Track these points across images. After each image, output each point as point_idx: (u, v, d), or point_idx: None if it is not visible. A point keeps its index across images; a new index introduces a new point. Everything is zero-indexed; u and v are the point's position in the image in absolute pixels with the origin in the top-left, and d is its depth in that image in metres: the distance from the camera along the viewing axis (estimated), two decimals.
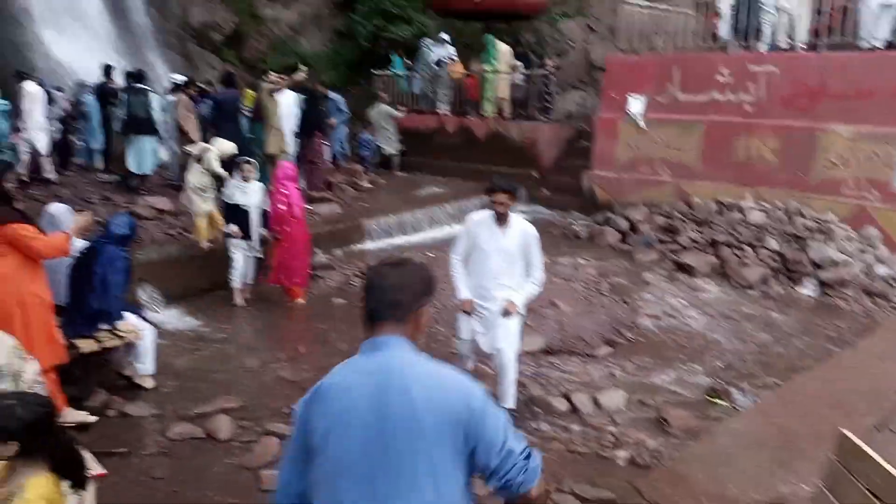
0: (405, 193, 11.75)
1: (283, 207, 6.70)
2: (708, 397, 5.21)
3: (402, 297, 1.74)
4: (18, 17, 13.51)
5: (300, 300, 7.09)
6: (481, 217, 4.59)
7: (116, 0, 15.71)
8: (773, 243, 8.25)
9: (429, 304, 1.80)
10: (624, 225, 9.82)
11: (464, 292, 4.60)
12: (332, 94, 12.34)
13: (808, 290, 7.75)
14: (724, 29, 10.65)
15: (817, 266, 7.84)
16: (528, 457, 1.69)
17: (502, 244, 4.46)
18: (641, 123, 10.70)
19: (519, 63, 13.76)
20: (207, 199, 7.32)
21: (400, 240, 9.73)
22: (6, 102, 9.65)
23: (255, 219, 6.81)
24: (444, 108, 14.15)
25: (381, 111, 13.42)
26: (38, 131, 9.60)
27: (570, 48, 17.13)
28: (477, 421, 1.62)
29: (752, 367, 5.82)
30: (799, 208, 8.71)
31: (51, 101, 10.64)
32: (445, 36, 14.25)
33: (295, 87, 9.85)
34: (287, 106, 9.61)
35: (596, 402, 5.01)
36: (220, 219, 7.23)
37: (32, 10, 13.78)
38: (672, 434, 4.62)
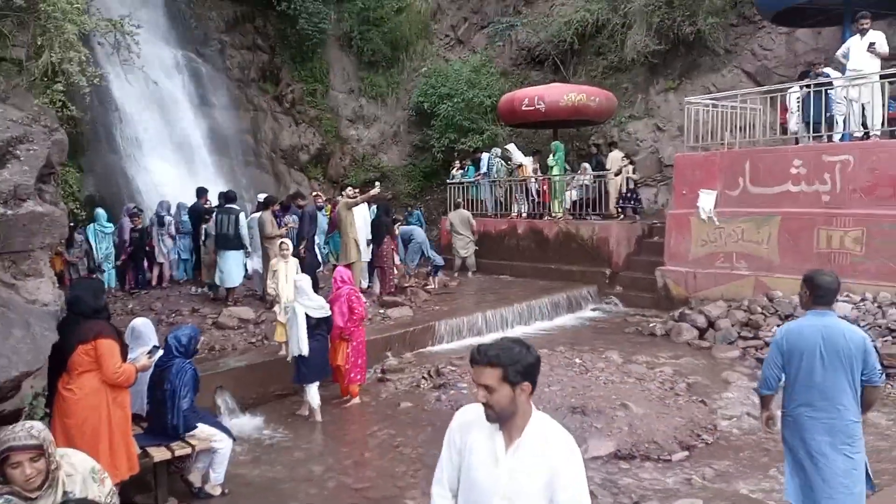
0: (477, 295, 11.85)
1: (345, 309, 6.92)
2: None
3: (835, 289, 3.76)
4: (128, 148, 15.15)
5: (356, 399, 7.17)
6: (474, 416, 2.36)
7: (215, 129, 17.36)
8: None
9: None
10: (701, 321, 9.41)
11: None
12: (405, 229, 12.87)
13: None
14: (793, 122, 10.53)
15: None
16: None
17: (507, 479, 2.25)
18: (714, 218, 10.48)
19: (587, 165, 14.00)
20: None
21: (472, 341, 9.67)
22: (111, 225, 10.67)
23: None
24: (515, 212, 14.41)
25: (461, 216, 13.83)
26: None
27: (639, 148, 17.26)
28: (867, 354, 3.60)
29: None
30: (891, 299, 8.09)
31: (161, 223, 11.72)
32: (511, 147, 14.79)
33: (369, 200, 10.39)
34: (362, 217, 10.09)
35: None
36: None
37: (142, 141, 15.42)
38: None
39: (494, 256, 14.21)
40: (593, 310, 11.74)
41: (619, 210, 13.51)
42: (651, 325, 10.08)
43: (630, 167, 13.13)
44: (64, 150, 5.06)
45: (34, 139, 4.68)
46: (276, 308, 7.85)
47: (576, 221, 13.33)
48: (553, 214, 13.65)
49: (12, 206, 4.32)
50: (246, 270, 10.55)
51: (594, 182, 13.51)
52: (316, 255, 10.41)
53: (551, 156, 13.68)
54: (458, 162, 16.72)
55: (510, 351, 2.22)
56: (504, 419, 2.26)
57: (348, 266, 10.33)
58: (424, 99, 19.55)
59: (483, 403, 2.25)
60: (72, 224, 10.58)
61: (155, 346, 4.88)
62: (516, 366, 2.21)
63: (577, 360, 7.90)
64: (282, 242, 7.97)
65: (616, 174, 13.46)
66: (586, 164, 14.20)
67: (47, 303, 4.39)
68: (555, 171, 13.63)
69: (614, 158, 13.74)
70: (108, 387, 4.32)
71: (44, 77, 5.62)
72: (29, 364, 3.89)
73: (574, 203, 13.92)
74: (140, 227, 11.40)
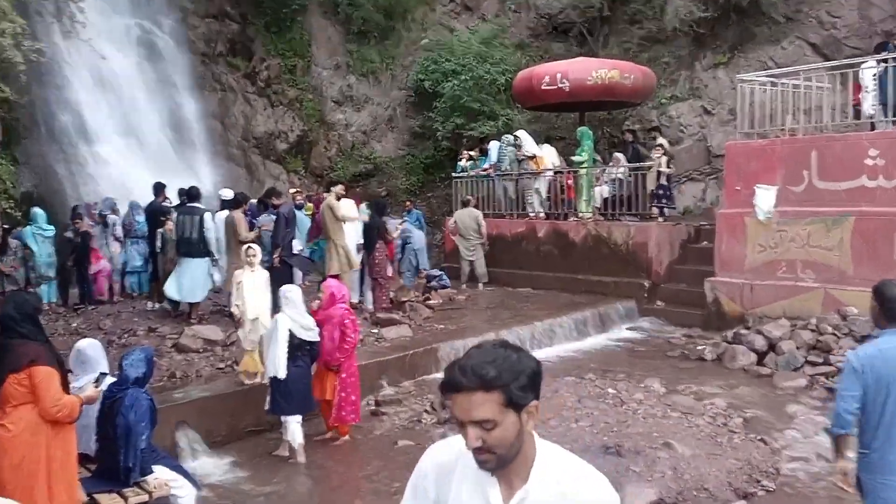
0: (489, 311, 11.86)
1: (336, 335, 6.87)
2: None
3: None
4: (73, 136, 15.21)
5: (346, 437, 7.13)
6: (453, 457, 2.00)
7: (176, 113, 17.43)
8: None
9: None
10: (760, 343, 9.37)
11: None
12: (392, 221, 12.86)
13: None
14: (868, 103, 10.51)
15: None
16: None
17: None
18: (774, 218, 10.46)
19: (620, 156, 14.00)
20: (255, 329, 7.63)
21: None
22: (51, 228, 10.70)
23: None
24: (533, 211, 14.43)
25: (469, 216, 13.82)
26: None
27: (683, 134, 17.27)
28: None
29: None
30: None
31: (104, 224, 11.76)
32: (521, 133, 14.79)
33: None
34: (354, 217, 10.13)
35: None
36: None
37: (89, 128, 15.50)
38: None
39: (509, 265, 14.21)
40: (629, 329, 11.71)
41: (659, 210, 13.49)
42: (699, 347, 10.05)
43: (663, 158, 13.15)
44: None
45: None
46: (240, 332, 7.75)
47: (607, 223, 13.32)
48: (580, 214, 13.64)
49: None
50: (213, 282, 10.55)
51: (629, 176, 13.50)
52: (293, 266, 10.41)
53: (583, 146, 13.62)
54: (465, 151, 16.75)
55: (508, 361, 1.82)
56: (508, 462, 1.86)
57: (336, 277, 10.34)
58: (425, 76, 19.63)
59: (477, 449, 1.82)
60: (6, 227, 10.64)
61: (103, 373, 4.88)
62: (520, 379, 1.82)
63: (611, 390, 7.86)
64: (248, 247, 7.88)
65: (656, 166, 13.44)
66: (619, 155, 14.18)
67: None
68: (579, 160, 13.60)
69: (664, 145, 13.68)
70: (48, 422, 4.32)
71: None
72: None
73: (605, 201, 13.91)
74: (83, 230, 11.42)
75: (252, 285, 7.65)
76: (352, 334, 6.93)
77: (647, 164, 13.35)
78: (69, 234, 11.22)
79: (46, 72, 14.31)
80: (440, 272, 13.15)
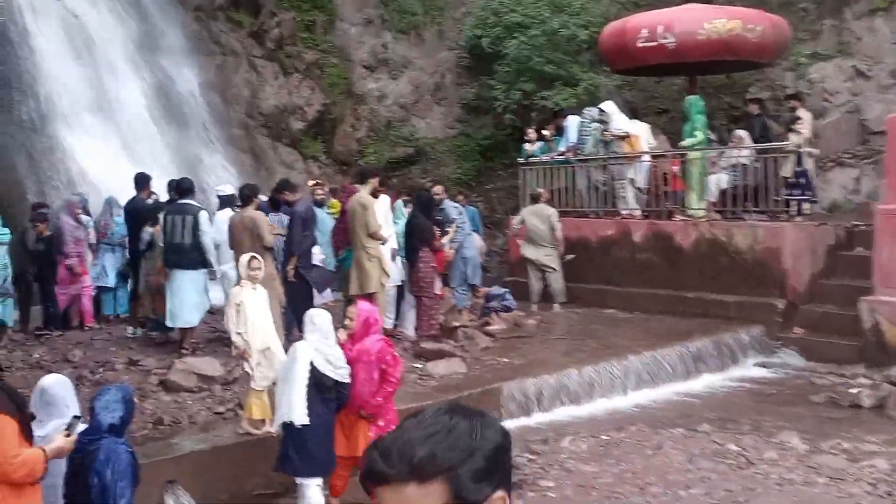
0: (568, 340, 11.78)
1: (375, 374, 6.88)
2: None
3: None
4: (35, 115, 15.64)
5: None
6: None
7: (164, 85, 17.80)
8: None
9: None
10: None
11: None
12: (450, 204, 12.84)
13: None
14: None
15: None
16: None
17: None
18: None
19: (743, 133, 13.80)
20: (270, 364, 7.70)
21: (561, 412, 9.63)
22: (7, 231, 10.98)
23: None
24: (627, 208, 14.36)
25: (539, 215, 13.79)
26: None
27: (829, 105, 16.94)
28: None
29: None
30: None
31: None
32: (608, 106, 14.66)
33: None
34: (384, 218, 10.18)
35: None
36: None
37: (56, 105, 15.91)
38: None
39: (595, 279, 14.12)
40: (757, 365, 11.53)
41: (796, 205, 13.25)
42: (853, 390, 9.85)
43: (803, 135, 12.88)
44: None
45: None
46: (246, 366, 7.76)
47: (726, 223, 13.15)
48: (690, 212, 13.49)
49: None
50: (209, 300, 10.70)
51: (756, 160, 13.30)
52: (312, 279, 10.49)
53: (693, 121, 13.47)
54: (533, 130, 16.67)
55: (454, 434, 1.63)
56: None
57: (367, 298, 10.39)
58: (483, 32, 19.66)
59: None
60: None
61: (76, 417, 4.96)
62: (474, 461, 1.62)
63: (733, 447, 7.75)
64: (251, 258, 7.94)
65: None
66: (742, 132, 13.98)
67: None
68: (692, 142, 13.47)
69: (806, 119, 13.44)
70: (4, 483, 4.41)
71: None
72: None
73: (723, 194, 13.70)
74: (47, 234, 11.70)
75: (255, 306, 7.74)
76: (395, 374, 6.94)
77: (781, 144, 13.12)
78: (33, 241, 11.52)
79: (3, 35, 14.78)
80: (503, 289, 13.11)
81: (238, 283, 8.06)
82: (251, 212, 9.99)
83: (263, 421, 7.67)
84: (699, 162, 13.41)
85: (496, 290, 12.93)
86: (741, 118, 15.99)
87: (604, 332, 12.20)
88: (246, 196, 10.27)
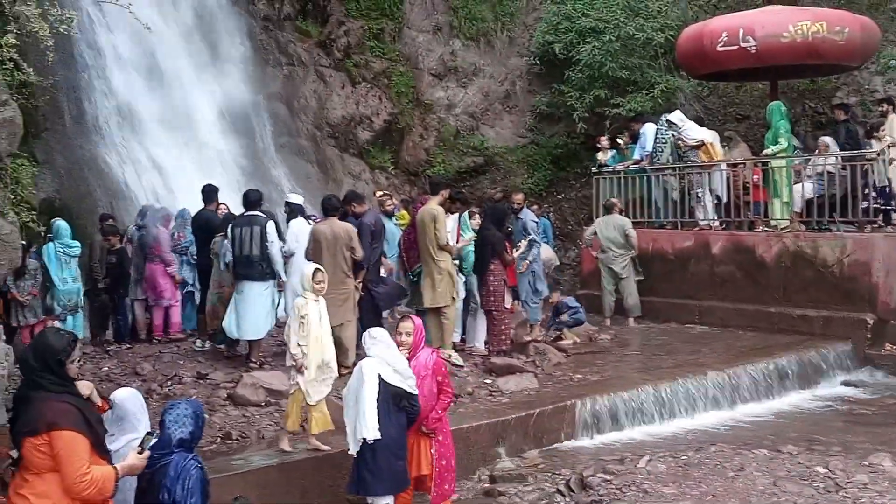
0: (643, 356, 11.68)
1: (434, 387, 6.89)
2: None
3: None
4: (103, 131, 16.03)
5: None
6: None
7: (231, 95, 18.11)
8: None
9: None
10: None
11: None
12: (529, 214, 12.79)
13: None
14: None
15: None
16: None
17: None
18: None
19: (829, 140, 13.56)
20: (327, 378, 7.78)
21: (637, 431, 9.54)
22: (77, 244, 11.24)
23: None
24: (705, 218, 14.17)
25: (613, 225, 13.70)
26: None
27: None
28: None
29: None
30: None
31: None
32: (676, 116, 14.50)
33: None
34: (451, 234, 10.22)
35: None
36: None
37: (126, 116, 16.30)
38: None
39: (671, 292, 14.01)
40: (845, 384, 11.33)
41: (885, 214, 12.94)
42: None
43: (883, 141, 12.57)
44: (16, 135, 5.39)
45: None
46: (299, 378, 7.69)
47: (812, 234, 12.94)
48: (773, 223, 13.28)
49: None
50: (276, 313, 10.79)
51: (843, 168, 13.04)
52: (378, 295, 10.53)
53: (777, 128, 13.27)
54: (604, 140, 16.55)
55: None
56: None
57: (437, 311, 10.42)
58: (555, 38, 19.59)
59: None
60: (23, 243, 11.22)
61: (149, 433, 5.02)
62: None
63: (821, 470, 7.61)
64: (316, 270, 7.99)
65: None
66: (828, 139, 13.74)
67: None
68: (775, 149, 13.26)
69: (891, 125, 13.16)
70: (76, 500, 4.48)
71: None
72: None
73: (808, 203, 13.44)
74: (119, 247, 11.96)
75: (318, 319, 7.80)
76: (449, 386, 6.98)
77: (870, 151, 12.82)
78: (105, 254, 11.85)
79: (73, 47, 15.13)
80: (575, 303, 13.01)
81: (301, 294, 8.04)
82: (341, 223, 10.07)
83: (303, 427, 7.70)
84: (783, 170, 13.20)
85: (568, 302, 12.77)
86: (827, 124, 15.72)
87: (681, 347, 12.08)
88: (334, 207, 10.35)
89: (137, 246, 12.42)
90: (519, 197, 13.09)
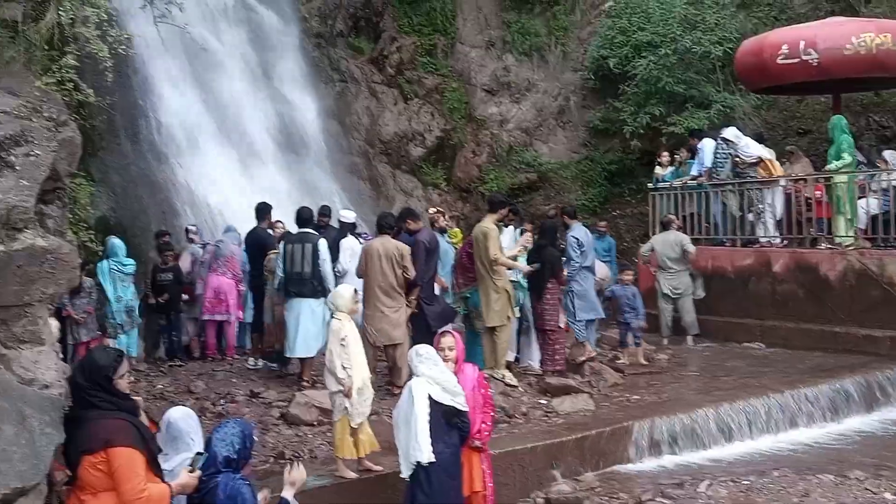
0: (702, 377, 11.58)
1: (480, 399, 6.90)
2: None
3: None
4: (157, 149, 16.28)
5: None
6: None
7: (283, 112, 18.31)
8: None
9: None
10: None
11: None
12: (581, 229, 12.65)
13: None
14: None
15: None
16: None
17: None
18: None
19: (890, 155, 13.39)
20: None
21: (697, 455, 9.41)
22: (132, 262, 11.43)
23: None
24: (766, 236, 14.05)
25: (672, 243, 13.61)
26: None
27: None
28: None
29: None
30: None
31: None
32: (731, 133, 14.37)
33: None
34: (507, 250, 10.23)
35: None
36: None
37: (180, 135, 16.55)
38: None
39: (731, 311, 13.90)
40: None
41: None
42: None
43: None
44: (75, 155, 5.47)
45: (35, 139, 5.09)
46: (347, 403, 7.59)
47: (878, 252, 12.72)
48: (836, 240, 13.11)
49: (3, 239, 4.68)
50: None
51: None
52: (430, 313, 10.53)
53: (839, 143, 13.11)
54: (665, 154, 16.47)
55: None
56: None
57: (492, 330, 10.40)
58: (610, 52, 19.58)
59: None
60: (80, 261, 11.44)
61: (199, 453, 5.07)
62: None
63: (889, 496, 7.50)
64: (356, 290, 8.03)
65: None
66: (892, 154, 13.54)
67: (49, 383, 4.69)
68: (838, 164, 13.09)
69: None
70: None
71: (48, 46, 6.12)
72: (23, 477, 4.14)
73: (873, 220, 13.24)
74: (172, 264, 12.15)
75: (355, 339, 7.76)
76: (490, 399, 7.02)
77: None
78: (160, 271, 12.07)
79: (129, 66, 15.42)
80: (642, 315, 12.92)
81: (335, 315, 7.88)
82: (394, 241, 10.13)
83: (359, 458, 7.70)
84: (847, 186, 13.02)
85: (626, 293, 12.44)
86: (892, 138, 15.48)
87: (741, 368, 11.90)
88: (389, 225, 10.42)
89: (209, 258, 12.62)
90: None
